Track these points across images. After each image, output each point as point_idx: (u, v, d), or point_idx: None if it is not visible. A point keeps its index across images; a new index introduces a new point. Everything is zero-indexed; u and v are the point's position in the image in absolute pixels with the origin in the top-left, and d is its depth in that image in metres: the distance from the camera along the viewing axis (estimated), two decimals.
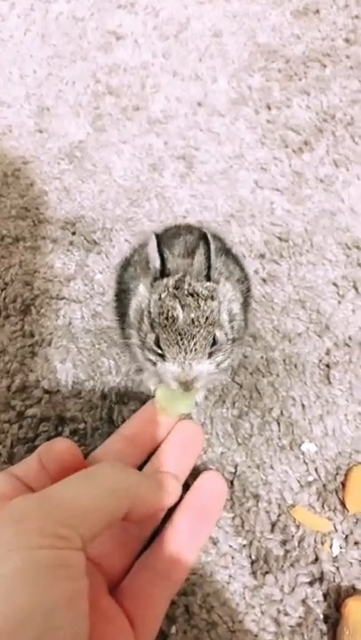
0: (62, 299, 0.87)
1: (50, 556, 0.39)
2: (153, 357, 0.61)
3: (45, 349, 0.82)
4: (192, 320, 0.58)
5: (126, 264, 0.79)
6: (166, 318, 0.58)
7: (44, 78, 1.21)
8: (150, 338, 0.60)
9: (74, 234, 0.95)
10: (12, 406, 0.76)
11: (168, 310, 0.58)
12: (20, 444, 0.73)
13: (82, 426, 0.75)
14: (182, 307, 0.58)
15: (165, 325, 0.58)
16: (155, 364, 0.61)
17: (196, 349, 0.58)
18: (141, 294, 0.65)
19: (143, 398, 0.77)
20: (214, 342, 0.59)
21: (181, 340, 0.57)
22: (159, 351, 0.59)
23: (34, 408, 0.76)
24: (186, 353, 0.57)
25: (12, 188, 1.03)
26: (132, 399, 0.77)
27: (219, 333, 0.60)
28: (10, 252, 0.93)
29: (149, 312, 0.61)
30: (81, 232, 0.95)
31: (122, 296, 0.73)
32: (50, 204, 1.00)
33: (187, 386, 0.58)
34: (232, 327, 0.63)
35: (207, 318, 0.58)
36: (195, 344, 0.57)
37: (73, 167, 1.05)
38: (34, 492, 0.50)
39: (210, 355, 0.59)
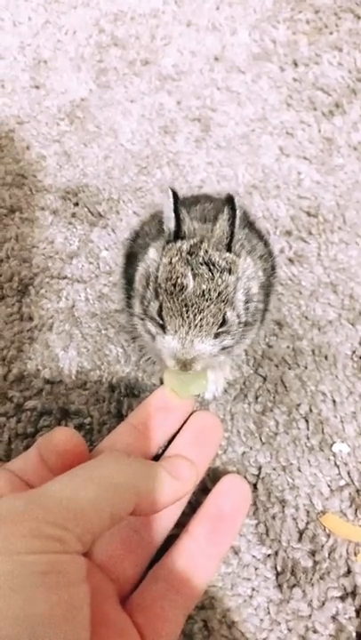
0: (64, 278, 0.83)
1: (40, 561, 0.36)
2: (153, 328, 0.57)
3: (46, 335, 0.78)
4: (202, 292, 0.54)
5: (135, 237, 0.75)
6: (174, 285, 0.54)
7: (41, 26, 1.15)
8: (153, 306, 0.57)
9: (76, 205, 0.91)
10: (10, 398, 0.73)
11: (177, 277, 0.54)
12: (19, 440, 0.70)
13: (87, 420, 0.71)
14: (194, 275, 0.54)
15: (171, 293, 0.54)
16: (154, 337, 0.58)
17: (201, 325, 0.54)
18: (151, 258, 0.61)
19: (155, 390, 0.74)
20: (223, 322, 0.56)
21: (187, 312, 0.54)
22: (160, 321, 0.56)
23: (33, 400, 0.72)
24: (189, 327, 0.54)
25: (6, 152, 0.97)
26: (142, 391, 0.74)
27: (230, 313, 0.56)
28: (4, 225, 0.88)
29: (156, 277, 0.57)
30: (84, 203, 0.90)
31: (130, 270, 0.69)
32: (49, 171, 0.95)
33: (185, 365, 0.55)
34: (247, 309, 0.60)
35: (220, 293, 0.55)
36: (201, 319, 0.54)
37: (74, 129, 1.00)
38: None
39: (216, 335, 0.56)
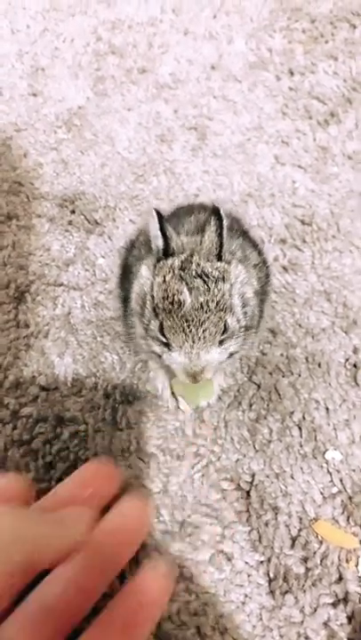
0: (60, 285, 0.84)
1: None
2: (157, 348, 0.58)
3: (42, 342, 0.79)
4: (201, 305, 0.55)
5: (131, 246, 0.77)
6: (171, 303, 0.55)
7: (39, 34, 1.16)
8: (154, 325, 0.58)
9: (73, 212, 0.92)
10: (5, 404, 0.74)
11: (173, 294, 0.55)
12: (15, 447, 0.71)
13: (82, 427, 0.72)
14: (190, 290, 0.56)
15: (170, 311, 0.55)
16: (160, 356, 0.59)
17: (205, 337, 0.55)
18: (143, 277, 0.62)
19: (150, 398, 0.75)
20: (225, 329, 0.57)
21: (188, 326, 0.55)
22: (163, 339, 0.57)
23: (29, 407, 0.73)
24: (193, 342, 0.55)
25: (3, 160, 0.98)
26: (137, 398, 0.75)
27: (230, 320, 0.58)
28: (1, 232, 0.89)
29: (152, 296, 0.58)
30: (81, 210, 0.92)
31: (126, 282, 0.70)
32: (46, 178, 0.96)
33: (194, 377, 0.56)
34: (245, 313, 0.61)
35: (218, 303, 0.56)
36: (204, 331, 0.55)
37: (71, 136, 1.01)
38: None
39: (220, 343, 0.57)
